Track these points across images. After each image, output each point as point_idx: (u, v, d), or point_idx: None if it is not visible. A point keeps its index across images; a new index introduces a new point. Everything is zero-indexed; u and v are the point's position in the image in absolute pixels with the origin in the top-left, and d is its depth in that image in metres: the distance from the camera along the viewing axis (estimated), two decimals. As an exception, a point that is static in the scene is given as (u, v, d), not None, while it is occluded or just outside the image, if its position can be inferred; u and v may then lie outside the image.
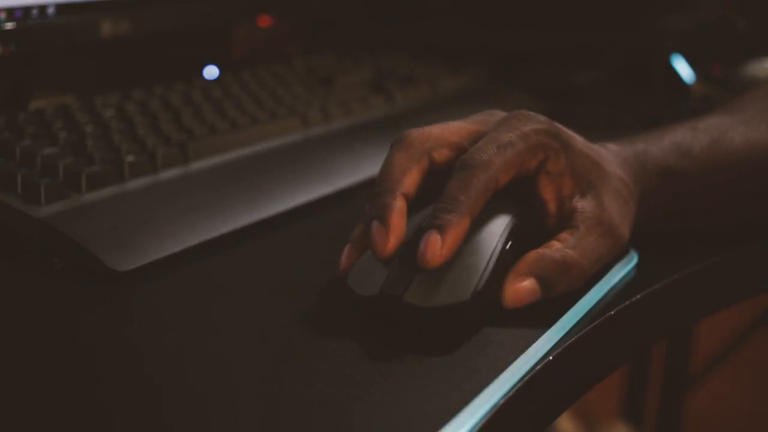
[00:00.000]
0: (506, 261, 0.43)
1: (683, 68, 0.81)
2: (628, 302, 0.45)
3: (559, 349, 0.41)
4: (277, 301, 0.44)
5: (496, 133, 0.45)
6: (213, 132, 0.59)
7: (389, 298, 0.41)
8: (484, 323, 0.42)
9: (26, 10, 0.62)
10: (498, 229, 0.44)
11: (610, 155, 0.49)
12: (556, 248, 0.44)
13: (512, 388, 0.37)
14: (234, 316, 0.43)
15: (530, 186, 0.46)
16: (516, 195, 0.46)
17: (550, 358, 0.40)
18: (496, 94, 0.78)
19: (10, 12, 0.62)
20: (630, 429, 1.35)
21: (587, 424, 1.38)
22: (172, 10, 0.75)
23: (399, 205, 0.43)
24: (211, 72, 0.77)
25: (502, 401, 0.37)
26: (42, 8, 0.64)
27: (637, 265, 0.49)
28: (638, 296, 0.46)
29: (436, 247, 0.41)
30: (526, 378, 0.38)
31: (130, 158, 0.53)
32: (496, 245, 0.43)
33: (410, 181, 0.45)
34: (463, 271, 0.42)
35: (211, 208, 0.52)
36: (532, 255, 0.44)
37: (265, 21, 0.89)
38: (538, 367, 0.39)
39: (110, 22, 0.68)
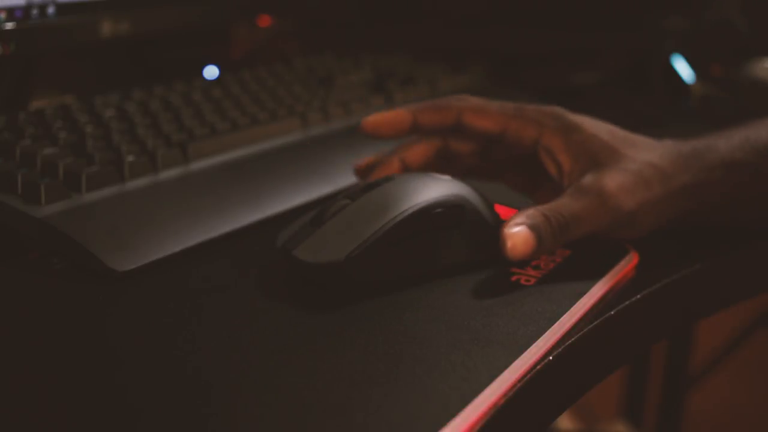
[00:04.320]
0: (409, 239, 0.45)
1: (683, 68, 0.81)
2: (628, 302, 0.45)
3: (559, 349, 0.41)
4: (277, 301, 0.44)
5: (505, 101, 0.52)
6: (213, 132, 0.59)
7: (284, 251, 0.45)
8: (366, 286, 0.44)
9: (26, 10, 0.63)
10: (407, 204, 0.45)
11: (653, 146, 0.50)
12: (535, 207, 0.46)
13: (512, 388, 0.37)
14: (234, 317, 0.43)
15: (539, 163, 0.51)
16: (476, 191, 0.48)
17: (550, 358, 0.40)
18: (496, 94, 0.78)
19: (10, 12, 0.62)
20: (630, 429, 1.35)
21: (587, 424, 1.38)
22: (172, 10, 0.75)
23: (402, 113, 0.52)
24: (211, 72, 0.77)
25: (502, 401, 0.37)
26: (42, 8, 0.64)
27: (637, 265, 0.49)
28: (638, 296, 0.46)
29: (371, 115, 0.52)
30: (526, 378, 0.38)
31: (130, 158, 0.53)
32: (395, 218, 0.44)
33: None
34: (350, 236, 0.44)
35: (211, 208, 0.52)
36: (519, 211, 0.46)
37: (265, 21, 0.89)
38: (538, 367, 0.39)
39: (110, 22, 0.68)
